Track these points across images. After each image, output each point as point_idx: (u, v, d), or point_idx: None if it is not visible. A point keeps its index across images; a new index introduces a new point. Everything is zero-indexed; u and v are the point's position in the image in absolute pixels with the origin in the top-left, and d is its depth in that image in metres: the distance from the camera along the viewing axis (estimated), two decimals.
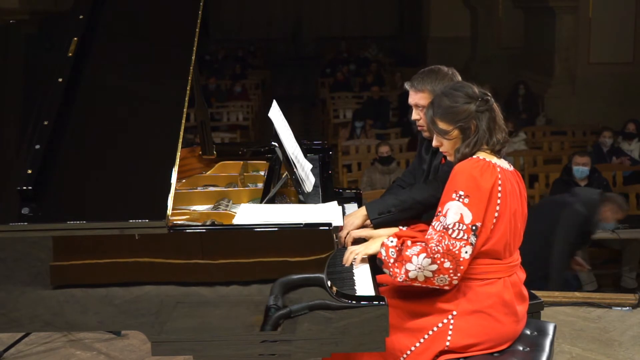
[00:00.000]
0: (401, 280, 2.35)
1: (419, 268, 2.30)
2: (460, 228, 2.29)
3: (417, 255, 2.30)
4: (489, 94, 2.46)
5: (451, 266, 2.28)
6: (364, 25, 22.36)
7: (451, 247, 2.27)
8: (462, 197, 2.30)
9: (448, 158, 2.53)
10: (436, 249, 2.28)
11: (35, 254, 2.22)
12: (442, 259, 2.27)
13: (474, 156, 2.40)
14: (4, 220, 2.23)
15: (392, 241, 2.42)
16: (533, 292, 2.99)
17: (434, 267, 2.29)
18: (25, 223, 2.21)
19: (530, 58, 12.98)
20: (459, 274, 2.30)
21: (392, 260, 2.37)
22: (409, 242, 2.39)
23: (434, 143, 2.53)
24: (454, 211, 2.30)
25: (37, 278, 2.22)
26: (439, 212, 2.35)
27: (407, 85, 2.86)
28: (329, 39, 20.65)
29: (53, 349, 3.88)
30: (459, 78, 2.81)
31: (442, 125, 2.44)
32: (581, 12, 11.60)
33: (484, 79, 13.14)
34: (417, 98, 2.81)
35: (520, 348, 2.49)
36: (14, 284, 2.23)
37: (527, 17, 13.26)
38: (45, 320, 2.25)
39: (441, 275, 2.30)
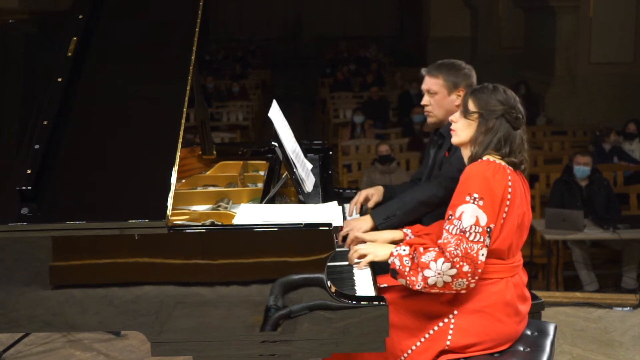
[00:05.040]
0: (419, 288, 2.32)
1: (439, 274, 2.29)
2: (476, 230, 2.29)
3: (435, 260, 2.29)
4: (523, 117, 2.58)
5: (469, 270, 2.27)
6: (364, 25, 22.35)
7: (469, 250, 2.27)
8: (477, 199, 2.31)
9: (453, 138, 2.53)
10: (455, 253, 2.27)
11: (34, 254, 2.21)
12: (461, 263, 2.27)
13: (484, 158, 2.42)
14: (3, 220, 2.22)
15: (404, 250, 2.39)
16: (534, 292, 2.99)
17: (454, 271, 2.27)
18: (25, 223, 2.21)
19: (530, 58, 12.95)
20: (476, 277, 2.30)
21: (407, 269, 2.35)
22: (421, 249, 2.37)
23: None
24: (470, 214, 2.30)
25: (37, 278, 2.22)
26: (451, 215, 2.33)
27: (423, 71, 2.98)
28: (329, 39, 20.63)
29: (53, 349, 3.88)
30: (474, 77, 2.96)
31: (470, 103, 2.49)
32: (581, 11, 11.58)
33: (484, 79, 13.08)
34: (430, 83, 2.93)
35: (521, 348, 2.49)
36: (13, 284, 2.23)
37: (527, 17, 13.24)
38: (45, 321, 2.24)
39: (460, 280, 2.29)
